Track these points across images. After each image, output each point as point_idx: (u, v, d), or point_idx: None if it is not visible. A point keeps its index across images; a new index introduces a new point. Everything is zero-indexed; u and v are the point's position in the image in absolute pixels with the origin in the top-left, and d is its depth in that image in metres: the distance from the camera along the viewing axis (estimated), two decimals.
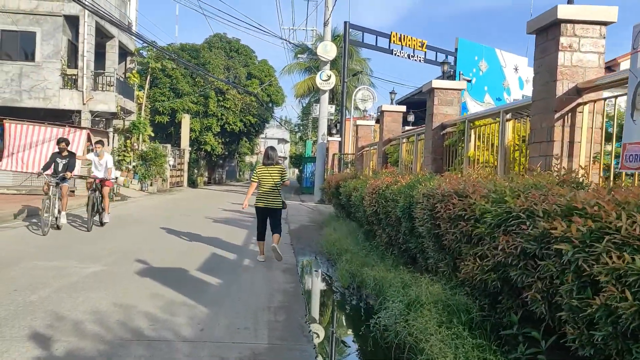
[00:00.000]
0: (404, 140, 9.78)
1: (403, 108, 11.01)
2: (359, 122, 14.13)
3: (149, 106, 28.24)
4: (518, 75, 29.83)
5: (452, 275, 4.48)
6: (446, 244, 4.29)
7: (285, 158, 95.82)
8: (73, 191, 17.22)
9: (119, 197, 18.88)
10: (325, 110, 22.12)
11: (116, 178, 23.31)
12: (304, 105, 37.12)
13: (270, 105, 39.04)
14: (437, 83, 7.46)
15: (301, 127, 51.72)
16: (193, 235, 10.35)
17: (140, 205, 17.39)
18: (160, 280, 6.25)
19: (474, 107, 26.58)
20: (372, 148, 12.87)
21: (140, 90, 26.44)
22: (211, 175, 41.39)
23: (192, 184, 33.32)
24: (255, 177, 7.97)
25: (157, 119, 30.84)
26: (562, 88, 4.15)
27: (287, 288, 6.24)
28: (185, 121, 31.30)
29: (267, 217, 7.96)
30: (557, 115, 4.16)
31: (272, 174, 7.86)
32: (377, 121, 17.55)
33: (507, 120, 5.46)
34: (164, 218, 13.51)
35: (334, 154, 21.31)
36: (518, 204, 3.17)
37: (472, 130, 6.45)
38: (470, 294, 4.06)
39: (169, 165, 27.46)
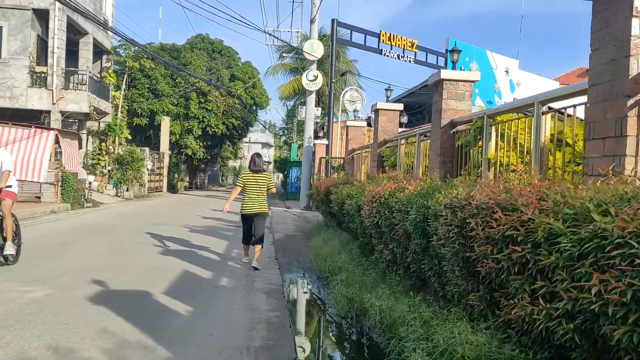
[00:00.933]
0: (403, 141, 8.75)
1: (400, 106, 10.01)
2: (349, 122, 13.11)
3: (126, 107, 26.93)
4: (509, 78, 29.10)
5: (488, 313, 3.43)
6: (481, 271, 3.24)
7: (269, 163, 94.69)
8: (39, 197, 15.90)
9: (90, 204, 17.59)
10: (311, 112, 21.07)
11: (90, 183, 22.03)
12: (289, 107, 36.06)
13: (254, 108, 37.88)
14: (446, 74, 6.44)
15: (285, 131, 50.59)
16: (166, 247, 9.18)
17: (112, 212, 16.13)
18: (116, 308, 5.10)
19: None
20: (364, 151, 11.84)
21: (116, 90, 25.14)
22: (192, 180, 40.06)
23: (172, 189, 32.00)
24: (241, 182, 7.93)
25: (135, 121, 29.51)
26: (637, 66, 3.13)
27: (271, 318, 5.14)
28: (165, 123, 30.01)
29: (252, 223, 7.90)
30: (630, 101, 3.14)
31: (257, 181, 7.85)
32: (369, 124, 16.55)
33: (544, 113, 4.43)
34: (136, 227, 12.30)
35: (321, 158, 20.26)
36: (619, 225, 2.12)
37: (493, 128, 5.42)
38: (520, 342, 3.01)
39: (147, 170, 26.15)
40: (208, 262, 7.95)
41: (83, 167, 21.40)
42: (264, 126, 43.67)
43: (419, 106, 29.16)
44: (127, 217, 14.73)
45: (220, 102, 32.31)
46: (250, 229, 7.92)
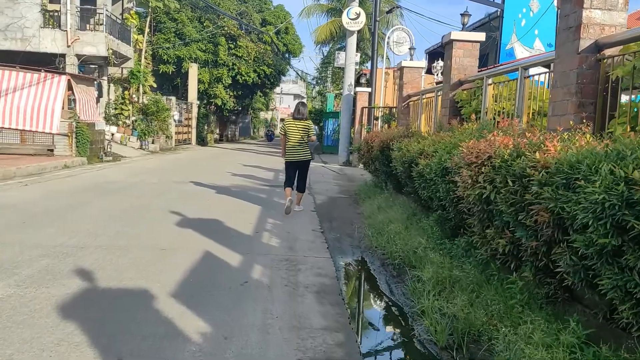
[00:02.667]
0: (489, 81, 6.58)
1: (481, 36, 7.76)
2: (404, 63, 10.86)
3: (151, 53, 25.01)
4: None
5: None
6: None
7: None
8: (52, 150, 14.33)
9: (110, 158, 15.98)
10: (352, 55, 18.74)
11: (112, 135, 20.46)
12: (325, 54, 33.51)
13: (287, 55, 35.53)
14: None
15: (319, 81, 48.03)
16: (183, 216, 7.39)
17: (133, 168, 14.47)
18: (92, 329, 3.30)
19: (522, 54, 22.97)
20: (425, 96, 9.68)
21: (139, 34, 23.18)
22: (223, 132, 38.39)
23: (202, 141, 30.37)
24: (283, 131, 8.19)
25: (162, 68, 27.60)
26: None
27: (332, 348, 3.25)
28: (193, 71, 28.04)
29: (297, 170, 8.20)
30: None
31: (299, 128, 8.05)
32: (428, 71, 14.16)
33: None
34: (154, 187, 10.56)
35: (363, 108, 18.08)
36: None
37: None
38: None
39: (174, 121, 24.45)
40: (235, 240, 6.10)
41: (104, 118, 19.81)
42: (298, 74, 41.22)
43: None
44: (147, 174, 13.03)
45: (251, 48, 30.06)
46: (293, 174, 8.16)
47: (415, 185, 6.29)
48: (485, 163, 3.96)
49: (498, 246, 3.93)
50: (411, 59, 18.84)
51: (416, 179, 6.07)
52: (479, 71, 7.89)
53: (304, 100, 9.67)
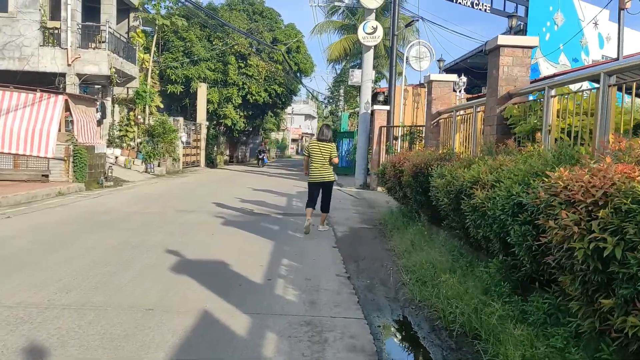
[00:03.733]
0: (553, 92, 5.36)
1: (534, 40, 6.59)
2: (433, 76, 9.67)
3: (157, 72, 24.15)
4: (597, 32, 24.68)
5: None
6: None
7: (312, 135, 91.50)
8: (46, 175, 13.27)
9: (111, 183, 14.89)
10: (369, 71, 17.65)
11: (116, 158, 19.46)
12: (338, 72, 32.51)
13: (298, 75, 34.63)
14: None
15: (331, 100, 47.02)
16: (182, 257, 6.19)
17: (134, 194, 13.36)
18: None
19: (547, 70, 21.78)
20: (459, 113, 8.49)
21: (146, 52, 22.33)
22: (233, 154, 37.38)
23: (211, 163, 29.32)
24: (307, 152, 8.37)
25: (169, 88, 26.74)
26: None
27: None
28: (202, 91, 27.13)
29: (320, 190, 8.33)
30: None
31: (322, 150, 8.16)
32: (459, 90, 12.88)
33: None
34: (153, 217, 9.40)
35: (381, 127, 16.91)
36: None
37: None
38: None
39: (182, 142, 23.44)
40: (243, 292, 4.88)
41: (108, 140, 18.84)
42: (310, 92, 40.31)
43: (485, 68, 25.12)
44: (149, 201, 11.90)
45: (261, 67, 29.16)
46: (316, 195, 8.31)
47: (465, 221, 5.05)
48: (600, 203, 2.74)
49: (625, 326, 2.68)
50: (440, 72, 17.74)
51: (468, 213, 4.84)
52: (531, 82, 6.68)
53: (328, 123, 9.95)
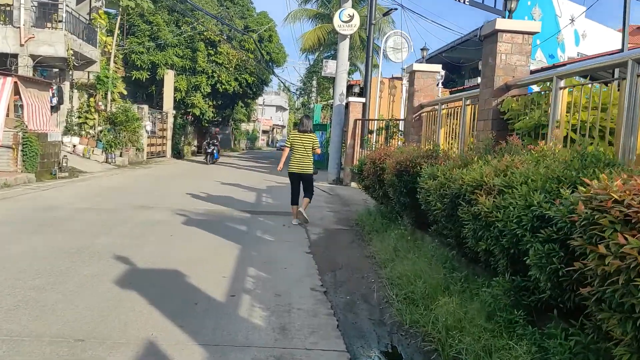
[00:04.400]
0: (562, 83, 4.69)
1: (537, 26, 5.92)
2: (416, 66, 8.95)
3: (121, 56, 22.87)
4: (574, 28, 24.45)
5: None
6: None
7: (283, 127, 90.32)
8: None
9: (66, 174, 13.77)
10: (345, 61, 16.88)
11: (74, 147, 18.24)
12: (311, 62, 31.58)
13: (270, 64, 33.62)
14: None
15: (303, 92, 46.09)
16: (132, 265, 5.33)
17: (89, 187, 12.31)
18: None
19: None
20: (445, 106, 7.80)
21: (108, 35, 21.06)
22: (201, 144, 36.12)
23: (178, 154, 28.16)
24: (289, 143, 8.44)
25: (135, 75, 25.44)
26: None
27: None
28: (169, 78, 25.93)
29: (300, 182, 8.40)
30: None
31: (304, 141, 8.27)
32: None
33: None
34: (106, 215, 8.45)
35: (356, 120, 16.18)
36: None
37: None
38: None
39: (146, 131, 22.28)
40: (200, 313, 4.07)
41: (66, 127, 17.64)
42: (282, 82, 39.33)
43: (461, 62, 24.74)
44: (104, 195, 10.90)
45: (232, 55, 28.07)
46: (297, 188, 8.41)
47: (461, 229, 4.35)
48: None
49: None
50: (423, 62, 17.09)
51: (467, 222, 4.13)
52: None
53: (308, 114, 10.22)
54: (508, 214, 3.38)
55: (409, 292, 4.55)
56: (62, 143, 17.94)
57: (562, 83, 4.76)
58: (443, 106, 8.04)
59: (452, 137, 7.68)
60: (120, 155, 19.34)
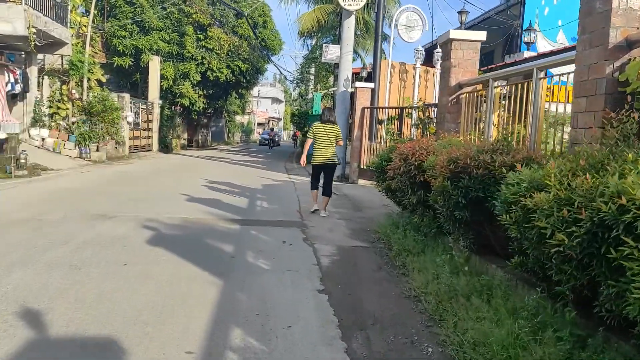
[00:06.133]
0: None
1: None
2: (453, 33, 6.88)
3: (100, 40, 20.67)
4: None
5: None
6: None
7: (279, 119, 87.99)
8: None
9: (25, 171, 11.66)
10: (350, 42, 14.80)
11: (42, 140, 16.11)
12: (310, 47, 29.37)
13: (265, 53, 31.42)
14: None
15: (299, 83, 43.82)
16: (38, 330, 3.28)
17: (46, 188, 10.22)
18: None
19: (545, 48, 19.37)
20: (500, 85, 5.78)
21: (84, 16, 18.88)
22: (192, 137, 34.01)
23: (165, 147, 26.02)
24: (312, 134, 8.42)
25: (117, 61, 23.24)
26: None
27: None
28: (154, 65, 23.75)
29: (322, 172, 8.35)
30: None
31: (327, 132, 8.21)
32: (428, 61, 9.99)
33: None
34: (48, 229, 6.37)
35: (364, 108, 14.14)
36: None
37: None
38: None
39: (128, 123, 20.14)
40: None
41: (34, 118, 15.53)
42: (278, 69, 37.24)
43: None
44: (58, 200, 8.81)
45: (223, 40, 25.88)
46: (317, 177, 8.38)
47: (600, 279, 2.32)
48: None
49: None
50: (421, 49, 15.02)
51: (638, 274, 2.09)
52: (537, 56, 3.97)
53: (329, 107, 10.53)
54: None
55: None
56: (30, 136, 15.86)
57: None
58: (496, 83, 6.00)
59: (510, 124, 5.64)
60: (97, 150, 17.21)
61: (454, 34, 6.99)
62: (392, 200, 7.25)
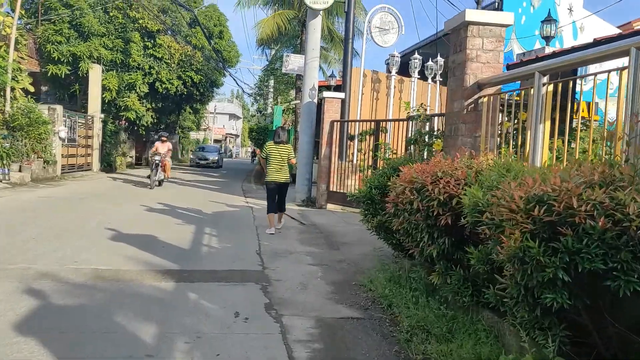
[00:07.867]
0: None
1: None
2: (470, 14, 5.01)
3: (25, 42, 18.08)
4: (572, 20, 21.45)
5: None
6: None
7: (237, 136, 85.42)
8: None
9: None
10: (316, 46, 12.93)
11: None
12: (269, 58, 27.33)
13: (221, 64, 29.27)
14: None
15: (258, 97, 41.72)
16: None
17: None
18: None
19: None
20: (544, 81, 4.00)
21: (8, 15, 16.36)
22: (142, 155, 31.28)
23: (109, 166, 23.37)
24: (264, 154, 8.49)
25: (51, 69, 20.65)
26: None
27: None
28: (95, 74, 21.24)
29: (277, 191, 8.35)
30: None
31: (280, 152, 8.31)
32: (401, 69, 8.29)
33: None
34: None
35: (333, 122, 12.24)
36: None
37: None
38: None
39: (60, 139, 17.57)
40: None
41: None
42: (235, 81, 35.11)
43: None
44: None
45: (174, 48, 23.63)
46: (274, 197, 8.33)
47: None
48: None
49: None
50: (397, 53, 13.28)
51: None
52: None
53: (285, 127, 9.51)
54: None
55: None
56: None
57: None
58: (544, 79, 4.15)
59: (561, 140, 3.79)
60: (20, 170, 14.64)
61: (472, 14, 5.15)
62: (388, 243, 5.30)
